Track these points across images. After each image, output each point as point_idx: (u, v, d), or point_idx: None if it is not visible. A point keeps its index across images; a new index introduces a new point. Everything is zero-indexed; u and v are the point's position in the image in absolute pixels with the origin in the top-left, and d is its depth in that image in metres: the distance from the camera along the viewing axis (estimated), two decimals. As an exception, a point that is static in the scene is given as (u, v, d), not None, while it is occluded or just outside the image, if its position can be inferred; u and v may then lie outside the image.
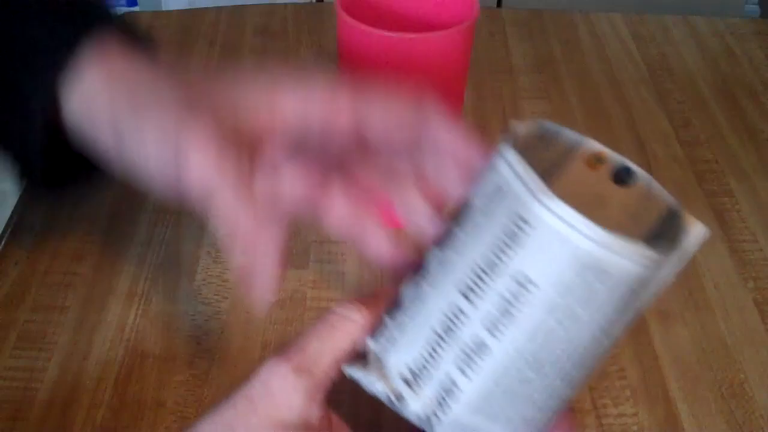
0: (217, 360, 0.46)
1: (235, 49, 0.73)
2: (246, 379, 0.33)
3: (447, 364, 0.31)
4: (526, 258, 0.29)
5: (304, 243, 0.54)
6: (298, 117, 0.35)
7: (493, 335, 0.30)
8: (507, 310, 0.30)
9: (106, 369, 0.45)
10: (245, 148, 0.34)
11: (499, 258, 0.29)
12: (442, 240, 0.32)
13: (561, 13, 0.81)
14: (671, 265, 0.30)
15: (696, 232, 0.31)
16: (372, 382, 0.32)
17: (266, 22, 0.77)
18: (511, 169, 0.30)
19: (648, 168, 0.61)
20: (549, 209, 0.28)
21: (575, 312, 0.29)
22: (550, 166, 0.34)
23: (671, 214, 0.32)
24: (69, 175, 0.42)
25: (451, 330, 0.31)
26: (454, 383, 0.31)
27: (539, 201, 0.28)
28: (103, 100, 0.37)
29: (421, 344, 0.31)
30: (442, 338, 0.31)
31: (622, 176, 0.34)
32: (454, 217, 0.32)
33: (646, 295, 0.31)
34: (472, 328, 0.30)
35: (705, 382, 0.46)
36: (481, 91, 0.69)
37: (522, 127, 0.32)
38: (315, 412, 0.32)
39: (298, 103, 0.35)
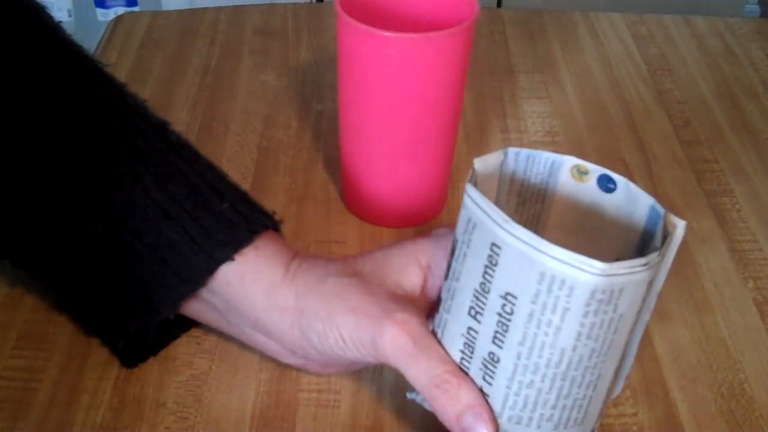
0: (217, 360, 0.46)
1: (235, 49, 0.73)
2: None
3: (476, 376, 0.36)
4: (504, 276, 0.34)
5: (304, 242, 0.54)
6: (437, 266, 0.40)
7: (499, 346, 0.35)
8: (502, 322, 0.34)
9: (106, 369, 0.45)
10: (415, 309, 0.39)
11: (487, 280, 0.34)
12: (447, 273, 0.37)
13: (561, 13, 0.81)
14: (642, 272, 0.33)
15: (677, 233, 0.34)
16: (425, 401, 0.38)
17: (266, 22, 0.77)
18: (475, 204, 0.34)
19: (648, 168, 0.61)
20: (511, 233, 0.33)
21: (549, 318, 0.33)
22: (540, 185, 0.39)
23: (653, 212, 0.36)
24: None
25: (470, 346, 0.36)
26: (482, 392, 0.36)
27: (503, 228, 0.33)
28: (288, 291, 0.41)
29: (456, 363, 0.37)
30: (466, 354, 0.37)
31: (605, 184, 0.37)
32: (450, 253, 0.37)
33: (625, 301, 0.33)
34: (484, 342, 0.35)
35: (705, 382, 0.46)
36: (481, 91, 0.69)
37: (483, 162, 0.37)
38: None
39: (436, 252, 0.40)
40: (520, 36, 0.77)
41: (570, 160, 0.38)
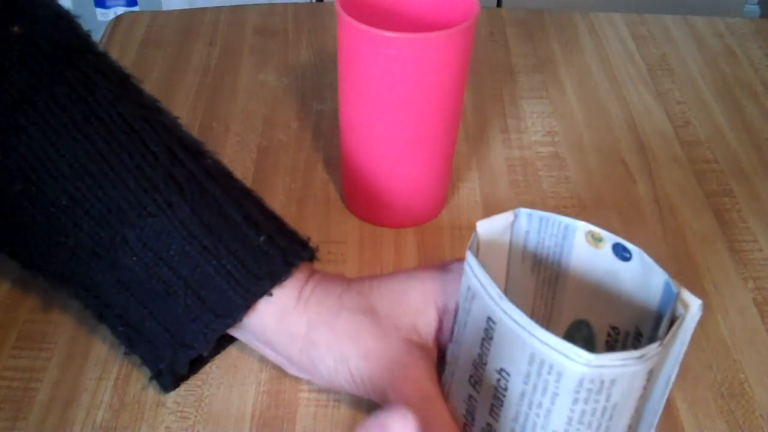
0: (217, 360, 0.46)
1: (235, 49, 0.73)
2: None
3: None
4: (498, 352, 0.34)
5: (304, 243, 0.54)
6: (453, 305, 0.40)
7: (495, 419, 0.35)
8: (497, 396, 0.34)
9: (106, 369, 0.45)
10: (427, 363, 0.39)
11: (483, 352, 0.34)
12: (452, 334, 0.37)
13: (561, 13, 0.81)
14: (636, 365, 0.32)
15: (690, 314, 0.33)
16: None
17: (266, 22, 0.77)
18: (474, 274, 0.34)
19: (648, 168, 0.61)
20: (504, 312, 0.32)
21: (540, 400, 0.33)
22: (555, 247, 0.38)
23: (667, 288, 0.35)
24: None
25: (471, 414, 0.36)
26: None
27: (497, 305, 0.33)
28: (299, 318, 0.41)
29: (460, 428, 0.37)
30: (468, 421, 0.37)
31: (621, 252, 0.37)
32: (454, 315, 0.37)
33: (619, 391, 0.32)
34: (482, 412, 0.36)
35: (705, 382, 0.46)
36: (481, 91, 0.69)
37: (487, 225, 0.36)
38: None
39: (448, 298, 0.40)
40: (520, 36, 0.76)
41: (583, 226, 0.37)
